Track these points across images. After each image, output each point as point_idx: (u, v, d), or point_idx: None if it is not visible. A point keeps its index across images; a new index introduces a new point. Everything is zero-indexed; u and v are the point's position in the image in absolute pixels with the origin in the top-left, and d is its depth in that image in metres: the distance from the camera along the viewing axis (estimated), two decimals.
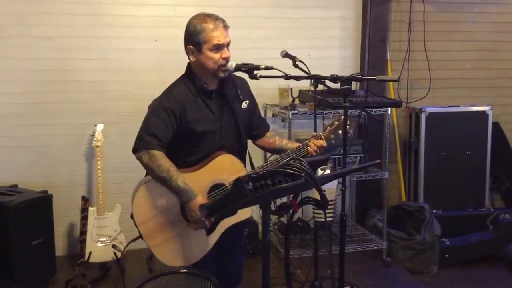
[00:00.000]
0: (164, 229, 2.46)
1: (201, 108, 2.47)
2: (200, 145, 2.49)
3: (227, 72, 2.47)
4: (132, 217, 2.49)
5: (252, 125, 2.70)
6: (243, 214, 2.52)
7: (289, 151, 2.54)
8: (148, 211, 2.46)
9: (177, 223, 2.46)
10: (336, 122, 2.58)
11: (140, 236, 2.49)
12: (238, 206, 1.96)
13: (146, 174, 2.54)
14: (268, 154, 4.13)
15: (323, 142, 2.53)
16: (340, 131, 2.57)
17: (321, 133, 2.56)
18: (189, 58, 2.50)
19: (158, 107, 2.45)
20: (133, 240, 2.74)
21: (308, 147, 2.52)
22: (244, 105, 2.61)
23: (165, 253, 2.47)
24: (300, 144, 2.55)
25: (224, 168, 2.48)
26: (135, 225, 2.47)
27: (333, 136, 2.58)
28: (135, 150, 2.46)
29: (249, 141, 2.74)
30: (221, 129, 2.51)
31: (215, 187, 2.47)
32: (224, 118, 2.52)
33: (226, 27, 2.44)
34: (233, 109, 2.54)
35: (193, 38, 2.42)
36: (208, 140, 2.49)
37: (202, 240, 2.49)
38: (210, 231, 2.49)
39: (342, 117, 2.57)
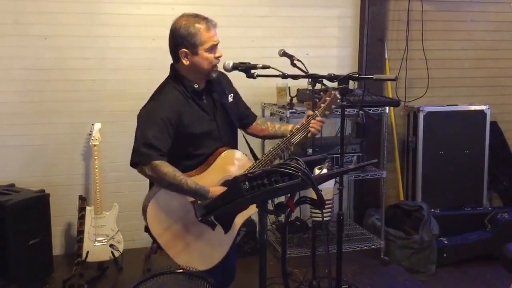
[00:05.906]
0: (182, 236, 2.42)
1: (194, 110, 2.46)
2: (200, 148, 2.47)
3: (217, 72, 2.48)
4: (147, 230, 2.43)
5: (241, 116, 2.72)
6: (253, 208, 2.54)
7: (293, 130, 2.56)
8: (162, 222, 2.39)
9: (193, 227, 2.43)
10: (328, 98, 2.60)
11: (159, 247, 2.43)
12: (235, 206, 1.95)
13: (150, 183, 2.51)
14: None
15: (321, 119, 2.58)
16: (333, 106, 2.60)
17: (316, 111, 2.58)
18: (179, 62, 2.46)
19: (153, 117, 2.36)
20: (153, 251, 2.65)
21: (311, 129, 2.55)
22: (230, 98, 2.62)
23: (188, 258, 2.41)
24: (294, 126, 2.60)
25: (230, 164, 2.49)
26: (152, 237, 2.41)
27: (328, 112, 2.62)
28: (135, 164, 2.38)
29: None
30: (218, 127, 2.51)
31: (226, 184, 2.46)
32: (218, 115, 2.53)
33: (215, 26, 2.44)
34: (224, 105, 2.56)
35: (188, 41, 2.39)
36: (207, 141, 2.48)
37: (221, 239, 2.49)
38: (227, 229, 2.49)
39: (333, 92, 2.60)
